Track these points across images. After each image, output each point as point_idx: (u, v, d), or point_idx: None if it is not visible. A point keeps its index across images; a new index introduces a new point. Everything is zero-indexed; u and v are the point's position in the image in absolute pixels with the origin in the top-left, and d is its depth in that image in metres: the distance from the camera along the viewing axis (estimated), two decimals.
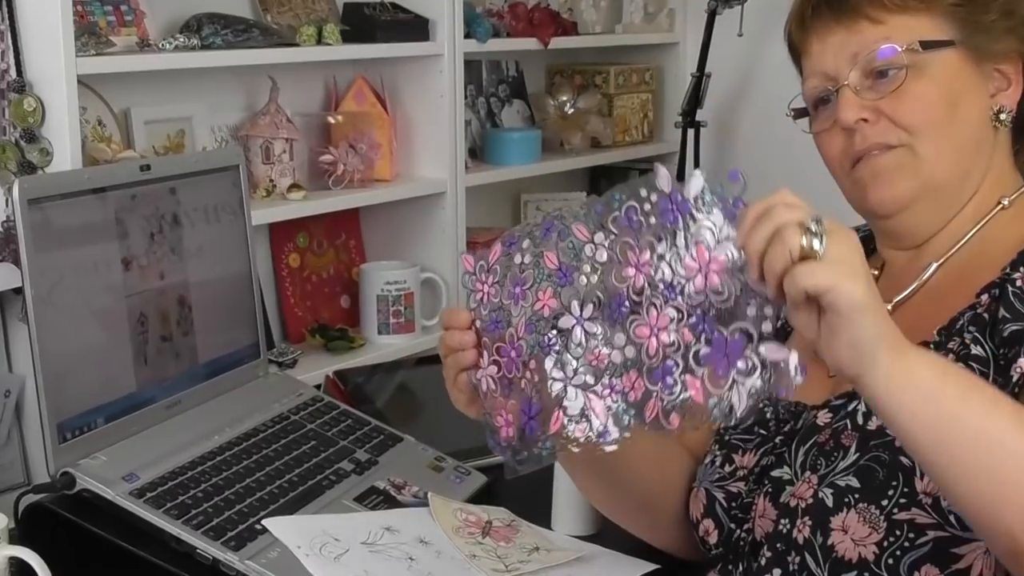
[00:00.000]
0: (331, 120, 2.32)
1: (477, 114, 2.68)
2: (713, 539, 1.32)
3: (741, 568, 1.29)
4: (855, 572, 1.19)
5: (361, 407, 1.75)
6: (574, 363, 1.11)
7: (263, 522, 1.36)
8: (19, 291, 1.48)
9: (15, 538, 1.32)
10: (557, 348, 1.11)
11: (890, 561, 1.18)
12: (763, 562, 1.25)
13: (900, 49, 1.24)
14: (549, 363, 1.11)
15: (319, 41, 2.19)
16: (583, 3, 2.77)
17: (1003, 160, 1.29)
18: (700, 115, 2.79)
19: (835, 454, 1.27)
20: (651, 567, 1.41)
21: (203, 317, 1.62)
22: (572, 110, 2.77)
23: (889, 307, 1.31)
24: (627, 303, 1.07)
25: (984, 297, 1.22)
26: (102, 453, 1.42)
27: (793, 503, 1.26)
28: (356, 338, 2.32)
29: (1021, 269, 1.21)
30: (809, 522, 1.24)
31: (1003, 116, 1.27)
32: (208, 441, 1.51)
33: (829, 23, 1.28)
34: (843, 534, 1.22)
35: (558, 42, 2.64)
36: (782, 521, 1.26)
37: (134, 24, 1.99)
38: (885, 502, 1.20)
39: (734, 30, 2.73)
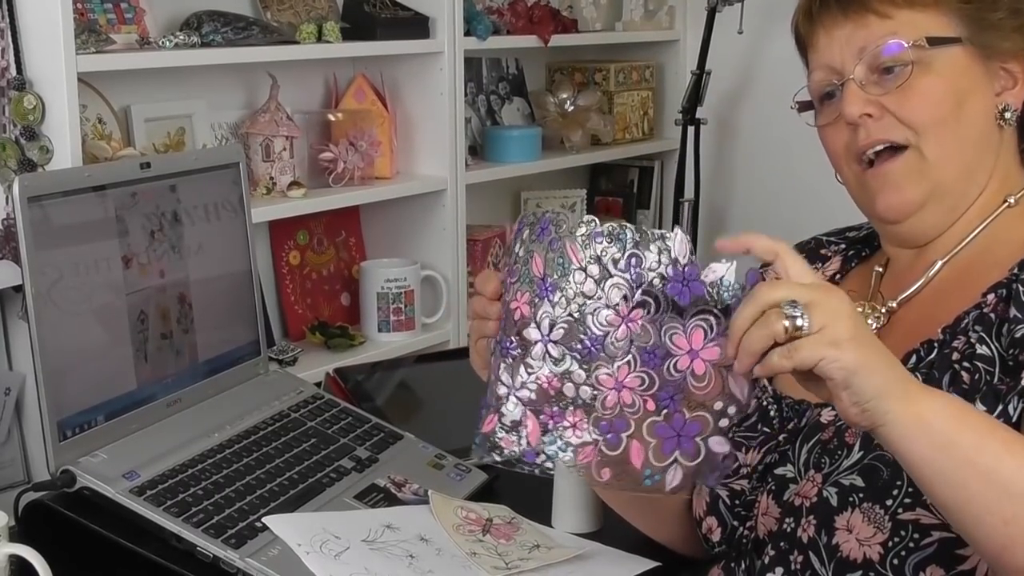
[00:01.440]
0: (331, 118, 2.31)
1: (477, 112, 2.68)
2: (716, 537, 1.32)
3: (744, 566, 1.29)
4: (860, 572, 1.19)
5: (361, 405, 1.75)
6: (524, 376, 1.11)
7: (263, 520, 1.36)
8: (19, 289, 1.48)
9: (15, 536, 1.32)
10: (515, 355, 1.11)
11: (895, 561, 1.17)
12: (766, 560, 1.25)
13: (906, 45, 1.23)
14: (502, 366, 1.12)
15: (319, 39, 2.19)
16: (583, 1, 2.77)
17: (1009, 159, 1.29)
18: (700, 112, 2.78)
19: (839, 452, 1.26)
20: (651, 564, 1.41)
21: (203, 315, 1.62)
22: (572, 108, 2.77)
23: (894, 304, 1.31)
24: (601, 347, 1.08)
25: (991, 296, 1.21)
26: (102, 451, 1.42)
27: (797, 502, 1.26)
28: (356, 336, 2.32)
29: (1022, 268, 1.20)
30: (814, 521, 1.23)
31: (1007, 115, 1.26)
32: (208, 439, 1.51)
33: (836, 16, 1.28)
34: (848, 533, 1.22)
35: (558, 40, 2.64)
36: (786, 520, 1.26)
37: (134, 22, 1.99)
38: (889, 502, 1.20)
39: (734, 27, 2.73)
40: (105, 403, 1.46)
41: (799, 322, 1.00)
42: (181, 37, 1.98)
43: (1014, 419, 1.15)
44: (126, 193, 1.51)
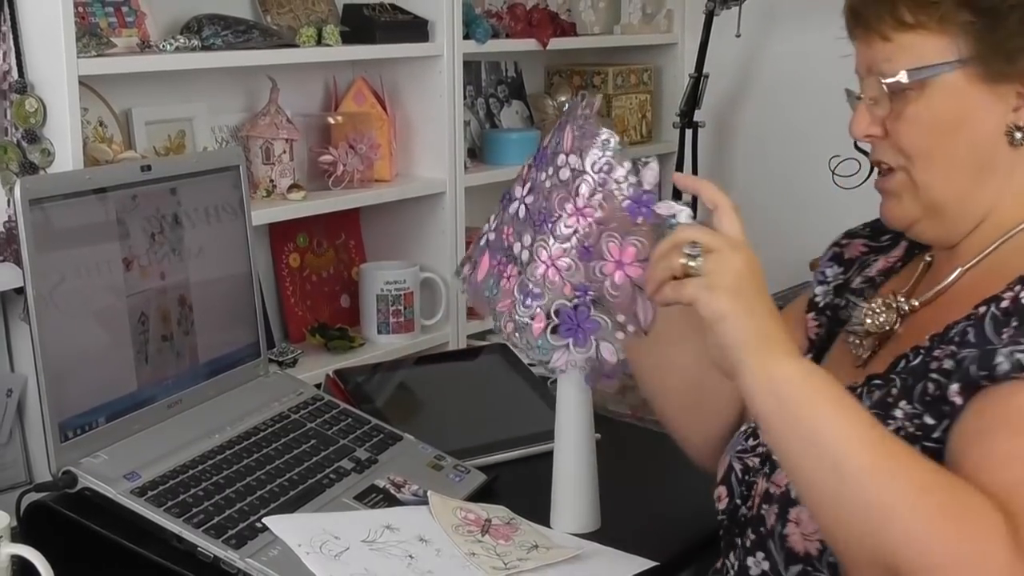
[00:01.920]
0: (331, 121, 2.32)
1: (476, 114, 2.68)
2: (721, 506, 1.34)
3: (738, 543, 1.30)
4: (801, 565, 1.21)
5: (361, 406, 1.75)
6: (494, 222, 1.36)
7: (264, 520, 1.37)
8: (21, 291, 1.48)
9: (17, 536, 1.32)
10: (503, 203, 1.37)
11: (831, 559, 1.19)
12: (747, 543, 1.27)
13: (902, 72, 1.22)
14: (498, 210, 1.37)
15: (319, 42, 2.19)
16: (581, 4, 2.77)
17: None
18: (698, 115, 2.79)
19: None
20: (649, 564, 1.42)
21: (204, 317, 1.62)
22: None
23: (916, 303, 1.31)
24: (552, 225, 1.24)
25: (981, 309, 1.20)
26: (103, 452, 1.42)
27: (772, 489, 1.28)
28: (356, 337, 2.32)
29: (1015, 289, 1.18)
30: (776, 510, 1.26)
31: (1018, 136, 1.22)
32: (209, 440, 1.51)
33: (855, 29, 1.27)
34: (796, 527, 1.24)
35: (557, 43, 2.64)
36: (763, 506, 1.28)
37: (135, 25, 1.99)
38: None
39: (732, 31, 2.73)
40: (106, 404, 1.46)
41: (692, 263, 1.14)
42: (182, 40, 1.98)
43: (936, 435, 1.17)
44: (127, 196, 1.51)
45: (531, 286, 1.25)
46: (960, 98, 1.22)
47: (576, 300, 1.24)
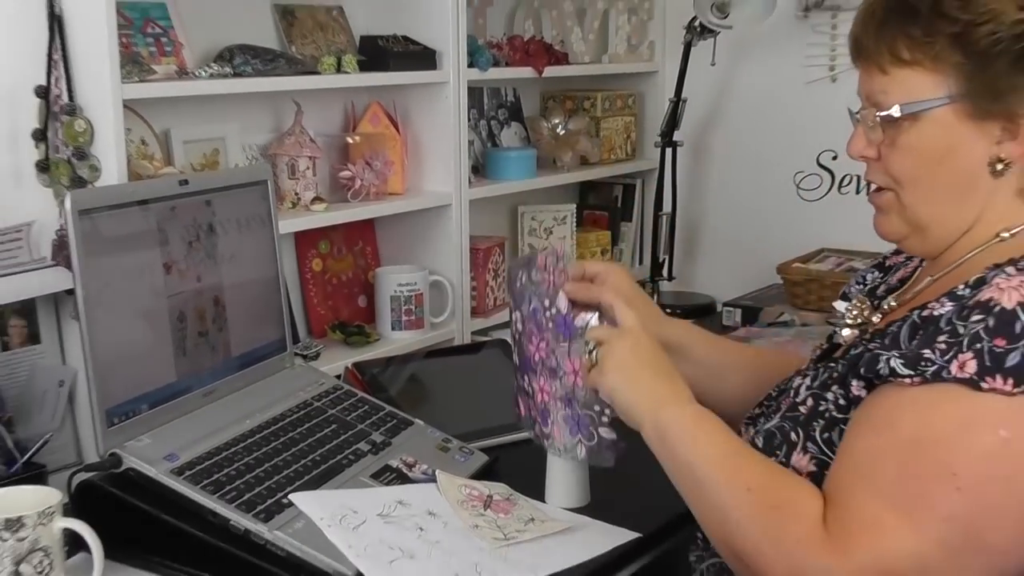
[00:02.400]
0: (349, 140, 2.31)
1: (479, 135, 2.68)
2: None
3: None
4: None
5: (376, 395, 1.75)
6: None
7: (289, 497, 1.36)
8: (71, 292, 1.48)
9: (69, 512, 1.32)
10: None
11: None
12: None
13: (896, 106, 1.20)
14: None
15: (338, 70, 2.18)
16: (573, 36, 2.77)
17: (1006, 199, 1.22)
18: (677, 136, 2.79)
19: (772, 415, 1.30)
20: (633, 535, 1.41)
21: (235, 315, 1.61)
22: (563, 131, 2.77)
23: (895, 303, 1.30)
24: (530, 364, 1.44)
25: (913, 313, 1.19)
26: (146, 436, 1.42)
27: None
28: (372, 334, 2.32)
29: (941, 300, 1.16)
30: None
31: (999, 167, 1.20)
32: (240, 425, 1.51)
33: (857, 59, 1.26)
34: None
35: (551, 71, 2.64)
36: None
37: (173, 54, 1.99)
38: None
39: (707, 60, 2.73)
40: (148, 393, 1.45)
41: (591, 358, 1.32)
42: (215, 68, 1.98)
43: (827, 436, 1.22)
44: (166, 207, 1.51)
45: (539, 411, 1.45)
46: (948, 131, 1.20)
47: (568, 408, 1.40)
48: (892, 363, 1.12)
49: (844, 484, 1.12)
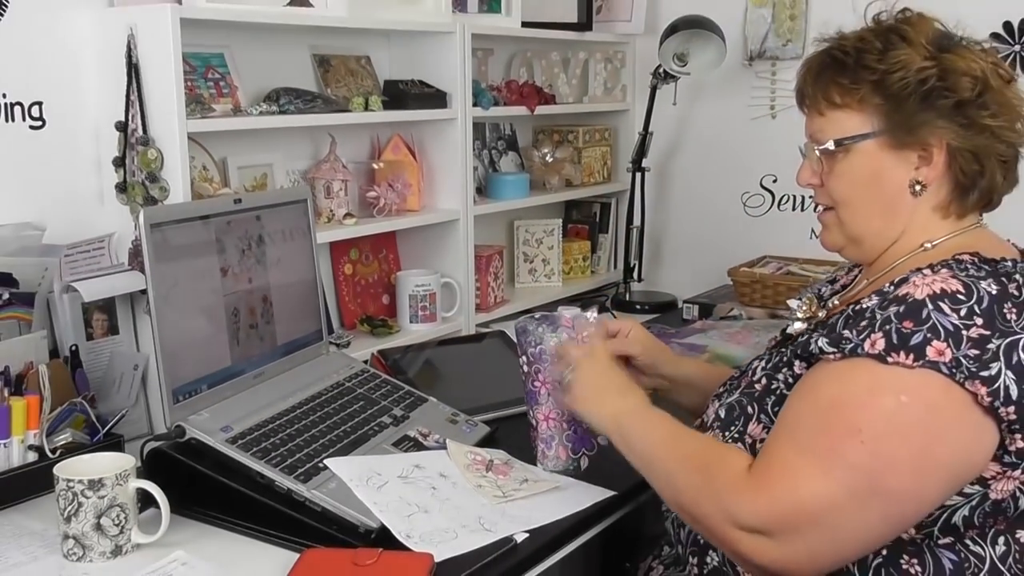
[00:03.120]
0: (375, 166, 2.30)
1: (482, 162, 2.66)
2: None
3: None
4: None
5: (397, 377, 1.74)
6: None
7: (325, 462, 1.35)
8: (145, 292, 1.47)
9: (141, 474, 1.31)
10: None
11: None
12: None
13: (830, 141, 1.22)
14: None
15: (366, 108, 2.17)
16: (559, 81, 2.76)
17: (926, 215, 1.23)
18: (645, 163, 2.78)
19: (734, 391, 1.29)
20: (609, 494, 1.41)
21: (280, 310, 1.60)
22: (551, 159, 2.75)
23: (838, 301, 1.31)
24: (536, 398, 1.44)
25: (848, 307, 1.19)
26: (205, 411, 1.41)
27: (703, 419, 1.30)
28: (394, 326, 2.31)
29: (870, 297, 1.15)
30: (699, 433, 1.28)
31: (917, 187, 1.21)
32: (284, 402, 1.50)
33: (801, 106, 1.28)
34: None
35: (541, 109, 2.63)
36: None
37: (229, 95, 1.98)
38: (727, 433, 1.23)
39: (670, 100, 2.73)
40: (207, 376, 1.45)
41: (565, 380, 1.37)
42: (264, 106, 1.97)
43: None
44: (223, 221, 1.50)
45: (545, 437, 1.45)
46: (873, 160, 1.21)
47: (570, 430, 1.43)
48: (820, 343, 1.13)
49: (773, 439, 1.13)
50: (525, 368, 1.46)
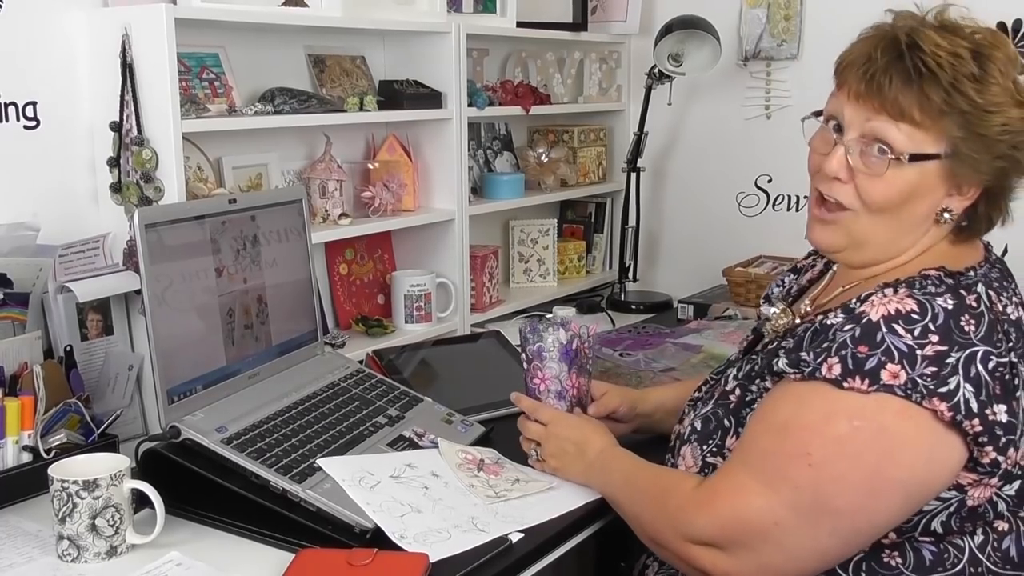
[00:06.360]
0: (370, 166, 2.30)
1: (477, 162, 2.66)
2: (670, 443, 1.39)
3: None
4: None
5: (392, 377, 1.74)
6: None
7: (319, 462, 1.35)
8: (139, 292, 1.47)
9: (136, 475, 1.31)
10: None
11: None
12: None
13: (895, 153, 1.14)
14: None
15: (361, 108, 2.17)
16: (554, 81, 2.76)
17: (937, 240, 1.20)
18: (640, 162, 2.78)
19: (708, 400, 1.30)
20: (599, 496, 1.41)
21: (275, 310, 1.61)
22: (546, 159, 2.76)
23: (810, 306, 1.29)
24: (537, 393, 1.47)
25: (816, 318, 1.18)
26: (200, 411, 1.41)
27: (679, 430, 1.30)
28: (389, 326, 2.31)
29: (837, 311, 1.14)
30: (676, 446, 1.28)
31: (946, 215, 1.17)
32: (279, 402, 1.50)
33: (872, 95, 1.15)
34: (683, 461, 1.25)
35: (536, 109, 2.63)
36: (674, 449, 1.31)
37: (224, 95, 1.98)
38: (705, 447, 1.24)
39: (665, 101, 2.73)
40: (202, 376, 1.45)
41: (534, 458, 1.44)
42: (259, 106, 1.97)
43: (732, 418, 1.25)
44: (218, 221, 1.50)
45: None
46: (922, 178, 1.15)
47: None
48: (781, 363, 1.15)
49: (729, 457, 1.17)
50: (525, 366, 1.48)
